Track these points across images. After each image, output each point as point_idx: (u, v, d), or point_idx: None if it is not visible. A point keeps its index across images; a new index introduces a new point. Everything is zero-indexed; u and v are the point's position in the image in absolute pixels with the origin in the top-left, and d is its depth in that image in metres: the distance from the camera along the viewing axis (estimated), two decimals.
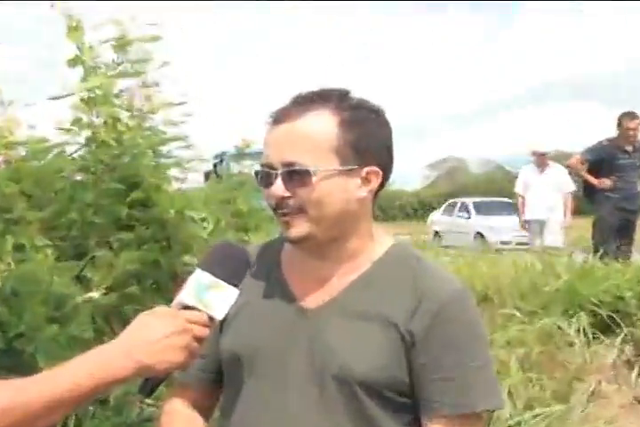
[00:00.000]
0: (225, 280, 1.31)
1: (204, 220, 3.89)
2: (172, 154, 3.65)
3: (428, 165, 55.98)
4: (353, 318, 1.43)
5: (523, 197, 9.71)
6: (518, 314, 4.91)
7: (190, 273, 1.32)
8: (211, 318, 1.29)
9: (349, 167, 1.43)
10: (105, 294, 2.98)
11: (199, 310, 1.28)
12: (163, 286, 3.21)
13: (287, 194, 1.42)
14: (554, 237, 9.40)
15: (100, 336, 2.88)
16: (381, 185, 1.49)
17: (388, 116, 1.51)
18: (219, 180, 4.84)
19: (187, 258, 3.30)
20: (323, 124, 1.42)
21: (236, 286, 1.32)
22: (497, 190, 25.61)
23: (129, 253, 3.09)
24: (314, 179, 1.40)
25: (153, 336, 1.22)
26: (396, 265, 1.49)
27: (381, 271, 1.48)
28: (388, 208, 35.95)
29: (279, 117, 1.44)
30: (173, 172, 3.66)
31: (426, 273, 1.46)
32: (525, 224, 9.76)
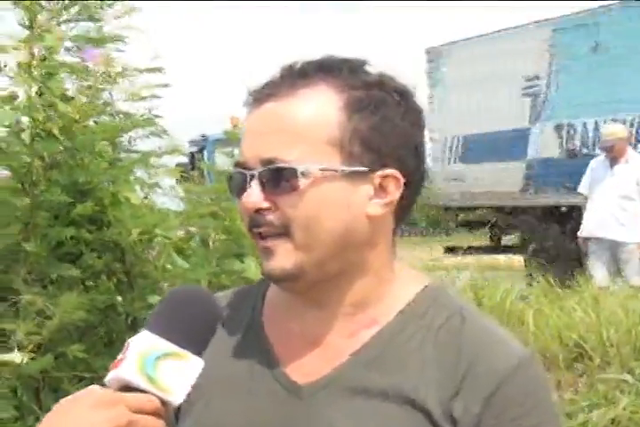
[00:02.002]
0: (184, 346, 1.26)
1: (188, 240, 3.76)
2: (134, 144, 3.56)
3: None
4: (364, 398, 1.39)
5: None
6: (631, 380, 4.82)
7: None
8: (164, 403, 1.23)
9: (356, 169, 1.37)
10: (32, 356, 2.87)
11: (147, 392, 1.22)
12: (118, 342, 3.17)
13: (265, 205, 1.36)
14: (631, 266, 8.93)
15: (25, 416, 2.91)
16: (407, 199, 1.43)
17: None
18: (198, 178, 4.57)
19: (154, 300, 3.25)
20: (320, 106, 1.37)
21: (199, 354, 1.28)
22: None
23: (71, 294, 2.97)
24: (302, 182, 1.34)
25: None
26: (428, 319, 1.43)
27: (407, 329, 1.43)
28: (438, 217, 35.73)
29: (261, 96, 1.39)
30: (138, 172, 3.55)
31: (474, 333, 1.42)
32: (584, 243, 9.32)
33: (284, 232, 1.37)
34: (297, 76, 1.40)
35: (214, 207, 3.81)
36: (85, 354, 3.00)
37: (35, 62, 2.93)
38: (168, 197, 3.96)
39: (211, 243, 3.88)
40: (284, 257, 1.37)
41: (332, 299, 1.43)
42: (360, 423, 1.37)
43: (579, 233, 9.36)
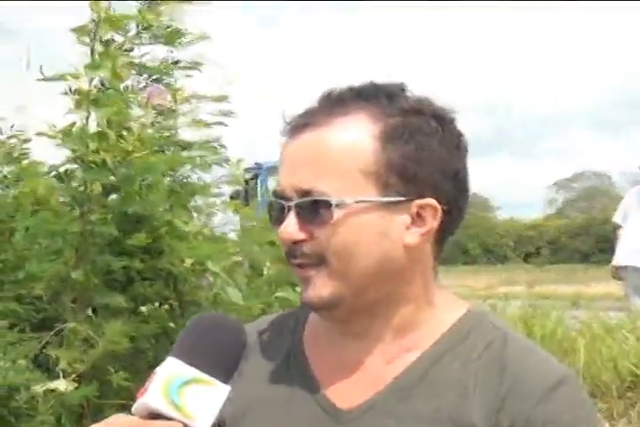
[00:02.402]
0: (210, 373, 1.27)
1: (235, 269, 3.72)
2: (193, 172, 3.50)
3: (552, 184, 55.52)
4: (409, 421, 1.37)
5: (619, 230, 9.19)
6: None
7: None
8: None
9: (392, 199, 1.37)
10: (76, 385, 2.84)
11: (173, 419, 1.23)
12: None
13: (301, 236, 1.37)
14: None
15: None
16: (447, 226, 1.43)
17: (467, 123, 1.44)
18: (252, 206, 4.55)
19: None
20: (356, 136, 1.37)
21: (225, 381, 1.29)
22: None
23: (116, 324, 2.94)
24: (336, 214, 1.35)
25: None
26: (470, 344, 1.43)
27: (448, 353, 1.43)
28: (492, 246, 35.39)
29: (297, 125, 1.40)
30: (198, 201, 3.51)
31: (516, 354, 1.41)
32: (617, 271, 9.08)
33: (321, 262, 1.37)
34: (334, 105, 1.40)
35: (272, 235, 3.76)
36: (130, 382, 2.95)
37: (92, 91, 2.92)
38: (225, 226, 3.95)
39: (265, 271, 3.87)
40: (322, 286, 1.38)
41: (372, 327, 1.44)
42: None
43: (613, 262, 9.13)
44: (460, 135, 1.45)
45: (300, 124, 1.40)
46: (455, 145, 1.43)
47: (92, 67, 2.87)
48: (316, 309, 1.43)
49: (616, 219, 9.26)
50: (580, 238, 35.75)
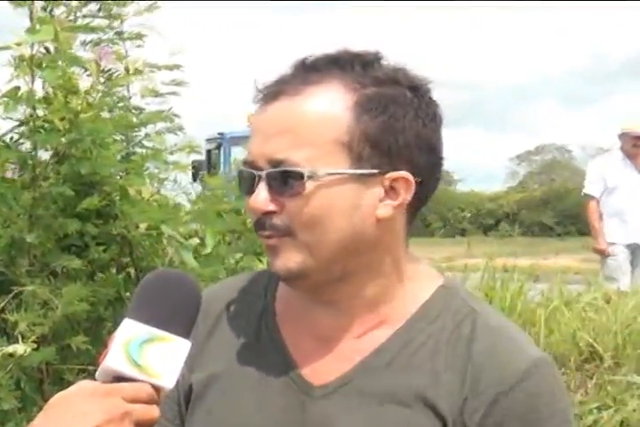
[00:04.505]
0: (167, 329, 1.23)
1: (189, 238, 3.71)
2: (150, 140, 3.49)
3: (515, 156, 55.66)
4: (377, 402, 1.37)
5: (597, 203, 8.52)
6: None
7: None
8: (156, 389, 1.21)
9: (364, 171, 1.35)
10: (36, 347, 2.83)
11: (138, 380, 1.20)
12: None
13: (271, 207, 1.36)
14: None
15: (27, 407, 2.87)
16: (420, 199, 1.41)
17: (441, 92, 1.42)
18: (214, 175, 4.56)
19: None
20: (329, 106, 1.35)
21: (185, 336, 1.25)
22: None
23: (75, 287, 2.94)
24: (308, 185, 1.33)
25: None
26: (439, 325, 1.42)
27: (418, 334, 1.41)
28: (452, 219, 35.53)
29: (270, 94, 1.37)
30: (150, 167, 3.47)
31: (484, 341, 1.39)
32: (606, 249, 8.48)
33: (289, 233, 1.36)
34: (308, 72, 1.38)
35: (237, 203, 3.74)
36: (90, 346, 2.97)
37: (36, 55, 2.90)
38: (183, 193, 3.94)
39: (219, 241, 3.86)
40: (289, 257, 1.37)
41: (343, 299, 1.42)
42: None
43: (607, 239, 8.47)
44: (435, 106, 1.42)
45: (274, 92, 1.38)
46: (430, 117, 1.40)
47: (33, 31, 2.84)
48: (283, 279, 1.43)
49: (589, 190, 8.55)
50: (539, 211, 35.97)
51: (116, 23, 3.39)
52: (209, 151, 11.16)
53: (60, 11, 3.18)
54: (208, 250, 3.65)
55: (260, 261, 3.77)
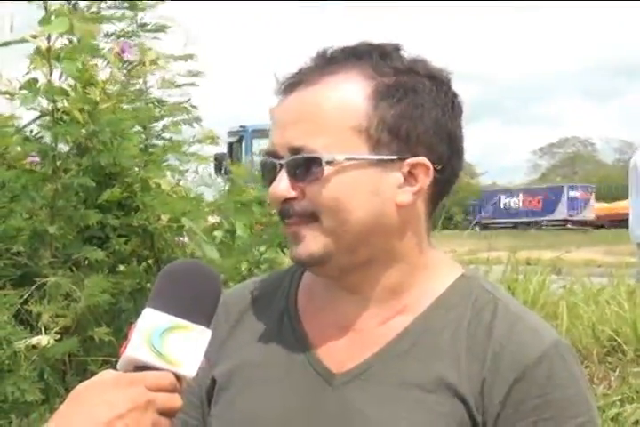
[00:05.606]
0: (187, 318, 1.24)
1: (213, 230, 3.72)
2: (168, 132, 3.53)
3: (537, 149, 55.44)
4: (400, 387, 1.38)
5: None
6: None
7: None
8: (178, 378, 1.21)
9: (383, 157, 1.36)
10: (59, 339, 2.84)
11: (160, 369, 1.20)
12: None
13: (292, 194, 1.37)
14: None
15: (50, 399, 2.86)
16: (440, 187, 1.43)
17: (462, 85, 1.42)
18: (237, 167, 4.58)
19: None
20: (347, 94, 1.36)
21: (206, 324, 1.25)
22: None
23: (97, 278, 2.94)
24: (327, 171, 1.34)
25: (101, 417, 1.15)
26: (461, 312, 1.43)
27: (439, 321, 1.42)
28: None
29: (291, 84, 1.39)
30: (170, 159, 3.51)
31: (506, 319, 1.41)
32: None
33: (313, 219, 1.37)
34: (327, 63, 1.40)
35: (260, 194, 3.76)
36: (112, 337, 2.98)
37: (54, 47, 2.90)
38: (206, 185, 3.96)
39: (241, 232, 3.86)
40: (312, 242, 1.38)
41: (365, 285, 1.44)
42: (394, 412, 1.37)
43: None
44: (454, 96, 1.43)
45: (293, 83, 1.40)
46: (450, 105, 1.42)
47: (46, 22, 2.84)
48: (306, 265, 1.43)
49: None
50: None
51: (140, 15, 3.41)
52: (231, 144, 11.17)
53: (84, 3, 3.21)
54: (238, 242, 3.68)
55: (284, 252, 3.79)
